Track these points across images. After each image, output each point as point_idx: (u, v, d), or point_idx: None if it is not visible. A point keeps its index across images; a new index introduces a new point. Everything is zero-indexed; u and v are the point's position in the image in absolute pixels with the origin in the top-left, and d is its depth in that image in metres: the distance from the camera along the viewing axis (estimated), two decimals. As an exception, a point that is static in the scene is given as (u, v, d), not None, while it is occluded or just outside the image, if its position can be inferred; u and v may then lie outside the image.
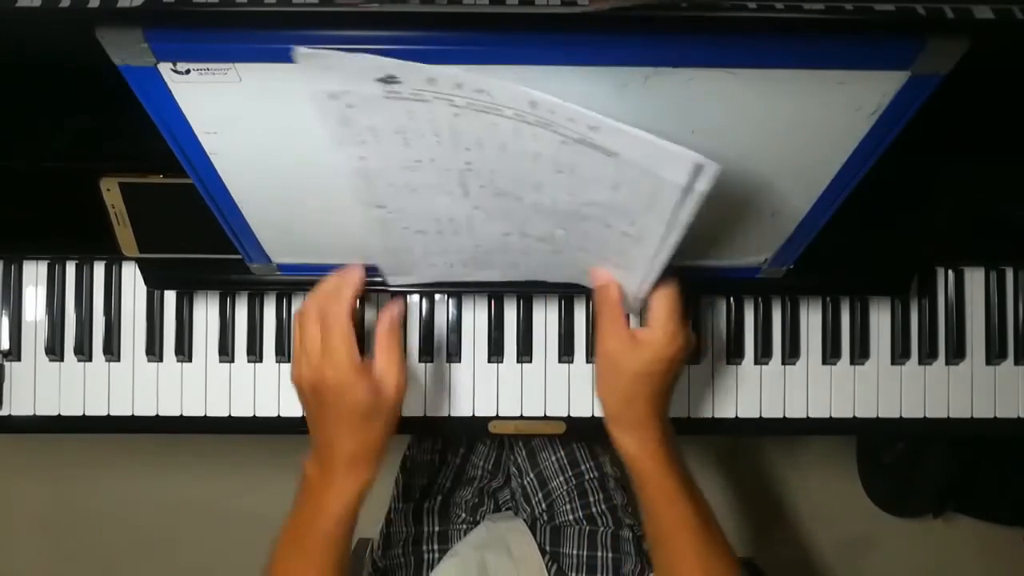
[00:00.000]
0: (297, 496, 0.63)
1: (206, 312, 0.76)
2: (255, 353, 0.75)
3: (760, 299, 0.76)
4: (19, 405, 0.75)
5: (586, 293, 0.75)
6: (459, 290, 0.73)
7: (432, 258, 0.63)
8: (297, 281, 0.68)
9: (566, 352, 0.76)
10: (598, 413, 0.76)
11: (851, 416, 0.76)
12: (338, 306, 0.59)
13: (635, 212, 0.52)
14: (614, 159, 0.47)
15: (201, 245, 0.66)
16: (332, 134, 0.50)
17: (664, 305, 0.60)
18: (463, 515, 0.92)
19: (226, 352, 0.75)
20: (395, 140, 0.50)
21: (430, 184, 0.54)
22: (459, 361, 0.76)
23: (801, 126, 0.50)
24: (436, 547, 0.86)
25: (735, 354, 0.76)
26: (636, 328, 0.61)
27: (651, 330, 0.60)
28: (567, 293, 0.75)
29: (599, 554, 0.85)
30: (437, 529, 0.88)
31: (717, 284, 0.71)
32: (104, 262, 0.76)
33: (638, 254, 0.56)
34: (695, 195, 0.47)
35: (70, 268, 0.76)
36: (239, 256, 0.65)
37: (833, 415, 0.77)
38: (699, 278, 0.67)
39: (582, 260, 0.62)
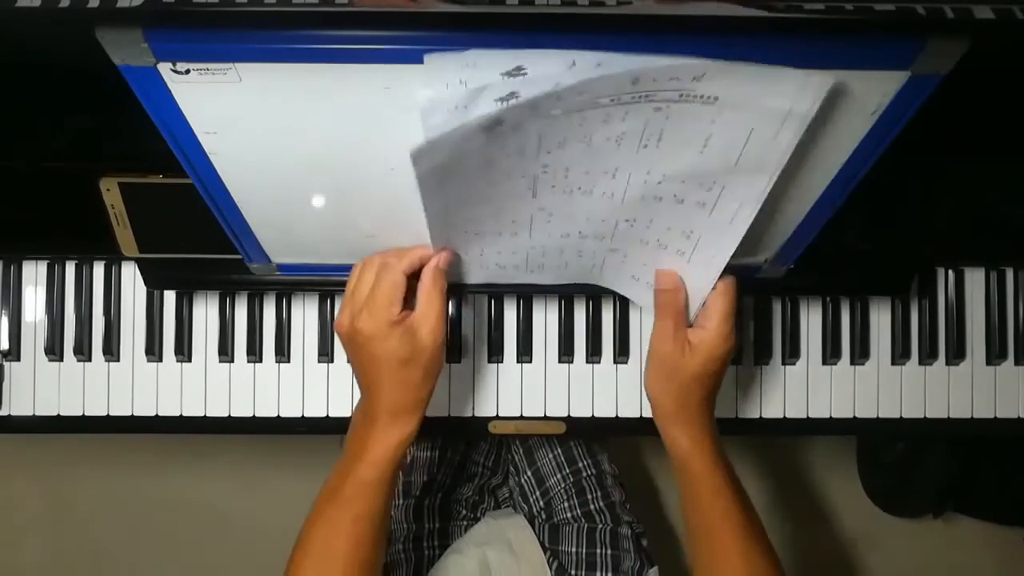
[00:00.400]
0: (345, 446, 0.64)
1: (206, 312, 0.76)
2: (255, 353, 0.75)
3: (760, 299, 0.76)
4: (19, 405, 0.75)
5: (586, 293, 0.75)
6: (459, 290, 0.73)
7: (487, 260, 0.62)
8: (296, 281, 0.68)
9: (566, 352, 0.76)
10: (598, 413, 0.76)
11: (851, 416, 0.76)
12: (397, 260, 0.60)
13: (718, 172, 0.50)
14: (711, 107, 0.45)
15: (201, 245, 0.66)
16: (428, 129, 0.46)
17: (721, 306, 0.60)
18: (463, 512, 0.92)
19: (226, 352, 0.75)
20: (480, 166, 0.49)
21: (502, 193, 0.53)
22: (459, 361, 0.76)
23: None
24: (436, 543, 0.87)
25: (735, 354, 0.76)
26: (692, 329, 0.62)
27: (705, 331, 0.61)
28: (567, 293, 0.75)
29: (598, 551, 0.85)
30: (437, 526, 0.88)
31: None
32: (104, 262, 0.76)
33: (708, 231, 0.55)
34: (801, 118, 0.46)
35: (70, 268, 0.76)
36: (239, 256, 0.65)
37: (833, 415, 0.77)
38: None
39: (637, 257, 0.61)
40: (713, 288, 0.60)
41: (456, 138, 0.44)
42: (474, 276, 0.65)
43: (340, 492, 0.61)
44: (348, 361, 0.63)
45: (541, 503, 0.93)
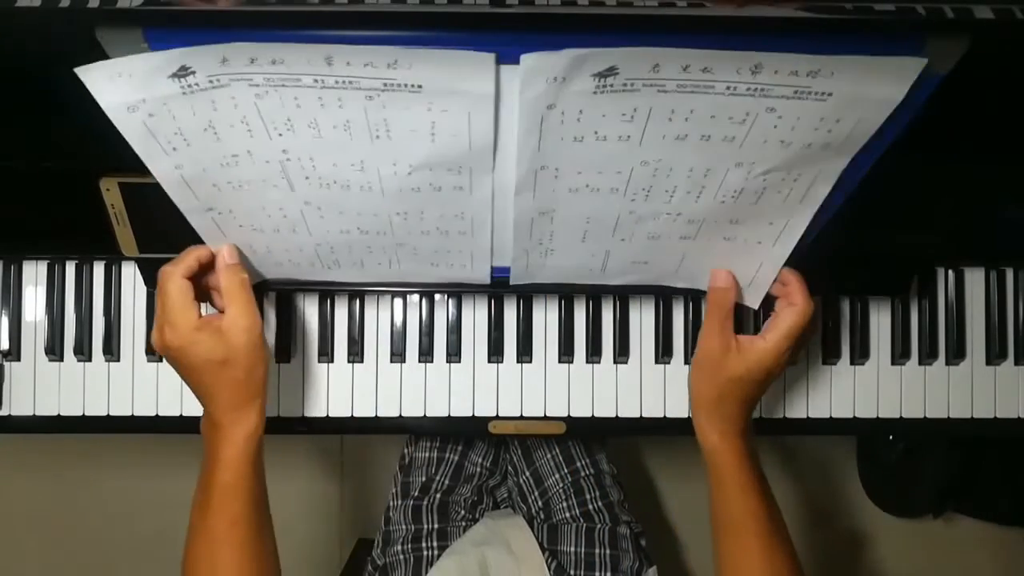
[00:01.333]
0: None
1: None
2: (255, 353, 0.75)
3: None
4: (19, 405, 0.75)
5: (586, 292, 0.75)
6: (459, 290, 0.73)
7: (276, 256, 0.64)
8: (296, 281, 0.68)
9: (566, 352, 0.76)
10: (598, 413, 0.76)
11: (851, 416, 0.76)
12: (173, 267, 0.60)
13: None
14: (419, 95, 0.46)
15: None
16: (140, 150, 0.50)
17: (790, 322, 0.61)
18: (462, 512, 0.92)
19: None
20: (206, 137, 0.50)
21: (253, 180, 0.54)
22: (459, 361, 0.76)
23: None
24: (435, 544, 0.87)
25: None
26: (749, 335, 0.63)
27: (763, 340, 0.62)
28: (567, 293, 0.75)
29: (597, 551, 0.85)
30: (436, 526, 0.88)
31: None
32: (104, 262, 0.76)
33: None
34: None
35: (70, 268, 0.76)
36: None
37: (833, 415, 0.77)
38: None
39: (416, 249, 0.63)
40: (776, 280, 0.62)
41: (140, 70, 0.45)
42: (272, 273, 0.67)
43: (207, 503, 0.62)
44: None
45: (539, 503, 0.93)
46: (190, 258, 0.61)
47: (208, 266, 0.62)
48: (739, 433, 0.64)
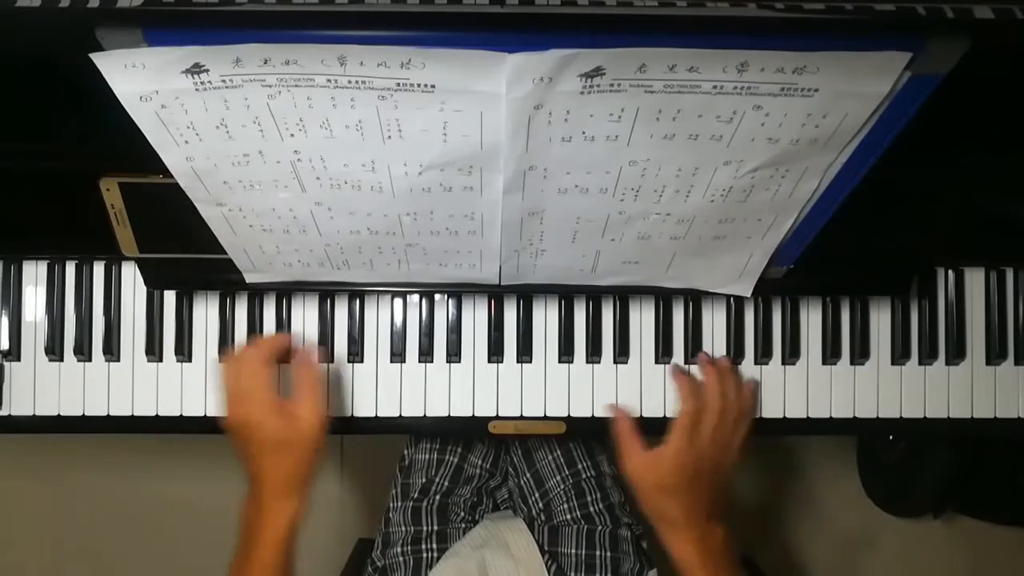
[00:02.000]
0: (238, 534, 0.69)
1: (206, 312, 0.76)
2: (255, 353, 0.75)
3: (760, 299, 0.76)
4: (19, 405, 0.75)
5: (586, 292, 0.75)
6: (459, 290, 0.73)
7: (287, 257, 0.64)
8: (296, 281, 0.68)
9: (566, 352, 0.76)
10: (598, 413, 0.76)
11: (851, 416, 0.76)
12: (255, 351, 0.67)
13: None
14: (431, 95, 0.46)
15: (201, 245, 0.66)
16: (152, 139, 0.50)
17: (679, 423, 0.68)
18: (461, 514, 0.92)
19: (226, 352, 0.75)
20: (218, 135, 0.50)
21: (264, 180, 0.54)
22: (459, 361, 0.76)
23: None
24: (435, 546, 0.86)
25: (735, 354, 0.76)
26: (657, 447, 0.68)
27: (664, 446, 0.68)
28: (567, 293, 0.75)
29: (597, 553, 0.85)
30: (436, 528, 0.88)
31: (717, 284, 0.71)
32: (104, 262, 0.76)
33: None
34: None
35: (70, 268, 0.76)
36: (239, 256, 0.65)
37: (833, 415, 0.77)
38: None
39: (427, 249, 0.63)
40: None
41: (154, 63, 0.45)
42: (281, 274, 0.67)
43: (246, 572, 0.66)
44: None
45: (540, 505, 0.92)
46: (275, 344, 0.68)
47: (285, 351, 0.70)
48: (693, 538, 0.67)
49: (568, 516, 0.90)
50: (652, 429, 0.76)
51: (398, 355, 0.75)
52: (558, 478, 0.92)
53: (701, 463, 0.68)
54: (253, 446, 0.66)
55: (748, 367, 0.76)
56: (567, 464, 0.93)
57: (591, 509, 0.89)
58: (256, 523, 0.66)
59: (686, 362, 0.76)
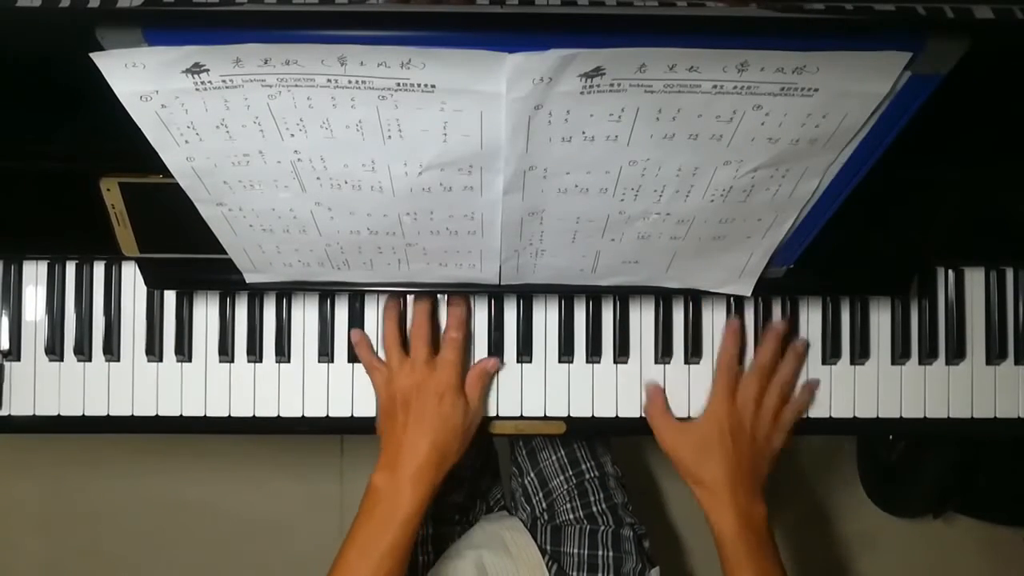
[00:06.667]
0: (364, 506, 0.68)
1: (206, 312, 0.76)
2: (255, 353, 0.75)
3: (760, 299, 0.76)
4: (19, 405, 0.75)
5: (586, 292, 0.75)
6: (459, 290, 0.73)
7: (287, 257, 0.64)
8: (296, 281, 0.68)
9: (566, 352, 0.76)
10: (598, 413, 0.76)
11: (851, 416, 0.76)
12: (458, 333, 0.71)
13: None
14: (432, 95, 0.46)
15: (201, 245, 0.66)
16: (152, 138, 0.50)
17: (716, 379, 0.71)
18: (456, 516, 0.91)
19: (226, 352, 0.75)
20: (218, 135, 0.50)
21: (264, 180, 0.54)
22: (459, 361, 0.76)
23: (801, 126, 0.50)
24: (431, 549, 0.86)
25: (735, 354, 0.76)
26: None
27: (703, 412, 0.71)
28: (567, 293, 0.75)
29: (600, 553, 0.85)
30: (431, 532, 0.87)
31: (717, 284, 0.71)
32: (104, 262, 0.76)
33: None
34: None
35: (70, 268, 0.76)
36: (239, 256, 0.65)
37: (833, 415, 0.77)
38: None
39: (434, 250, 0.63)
40: None
41: (154, 63, 0.45)
42: (281, 274, 0.67)
43: (370, 552, 0.66)
44: (380, 423, 0.72)
45: (544, 504, 0.92)
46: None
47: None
48: (738, 507, 0.67)
49: (571, 516, 0.90)
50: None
51: (398, 355, 0.75)
52: (561, 478, 0.92)
53: (742, 424, 0.68)
54: (422, 417, 0.68)
55: (748, 367, 0.76)
56: (571, 464, 0.93)
57: (594, 509, 0.89)
58: (393, 501, 0.66)
59: (686, 363, 0.76)
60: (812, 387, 0.75)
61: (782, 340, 0.73)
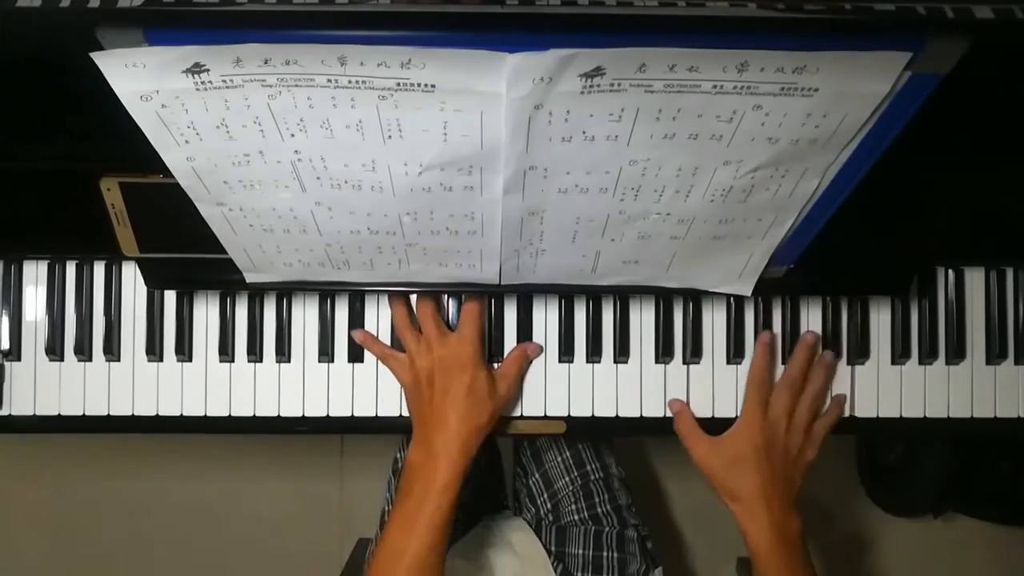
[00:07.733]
0: (401, 485, 0.69)
1: (206, 312, 0.76)
2: (255, 353, 0.75)
3: (760, 299, 0.76)
4: (19, 405, 0.75)
5: (586, 292, 0.75)
6: (459, 290, 0.73)
7: (287, 256, 0.64)
8: (296, 281, 0.68)
9: (566, 352, 0.76)
10: (598, 413, 0.76)
11: (850, 416, 0.76)
12: (476, 305, 0.71)
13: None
14: (432, 95, 0.46)
15: (201, 245, 0.66)
16: (153, 139, 0.50)
17: (747, 394, 0.71)
18: (460, 516, 0.91)
19: (226, 352, 0.75)
20: (218, 135, 0.50)
21: (264, 180, 0.54)
22: (459, 361, 0.76)
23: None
24: None
25: (735, 354, 0.76)
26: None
27: (734, 426, 0.70)
28: (567, 292, 0.75)
29: (604, 554, 0.85)
30: None
31: (717, 284, 0.71)
32: (104, 262, 0.76)
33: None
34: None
35: (70, 268, 0.76)
36: (239, 256, 0.65)
37: (833, 415, 0.76)
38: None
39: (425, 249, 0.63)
40: None
41: (154, 63, 0.45)
42: (282, 274, 0.67)
43: (415, 524, 0.66)
44: (410, 406, 0.72)
45: (548, 505, 0.93)
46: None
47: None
48: (774, 521, 0.67)
49: (576, 517, 0.90)
50: (654, 428, 0.76)
51: (398, 355, 0.75)
52: (567, 479, 0.92)
53: (775, 438, 0.68)
54: (450, 392, 0.68)
55: (748, 367, 0.76)
56: (576, 465, 0.93)
57: (599, 510, 0.90)
58: (431, 473, 0.67)
59: (685, 363, 0.76)
60: (841, 400, 0.75)
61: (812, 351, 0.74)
